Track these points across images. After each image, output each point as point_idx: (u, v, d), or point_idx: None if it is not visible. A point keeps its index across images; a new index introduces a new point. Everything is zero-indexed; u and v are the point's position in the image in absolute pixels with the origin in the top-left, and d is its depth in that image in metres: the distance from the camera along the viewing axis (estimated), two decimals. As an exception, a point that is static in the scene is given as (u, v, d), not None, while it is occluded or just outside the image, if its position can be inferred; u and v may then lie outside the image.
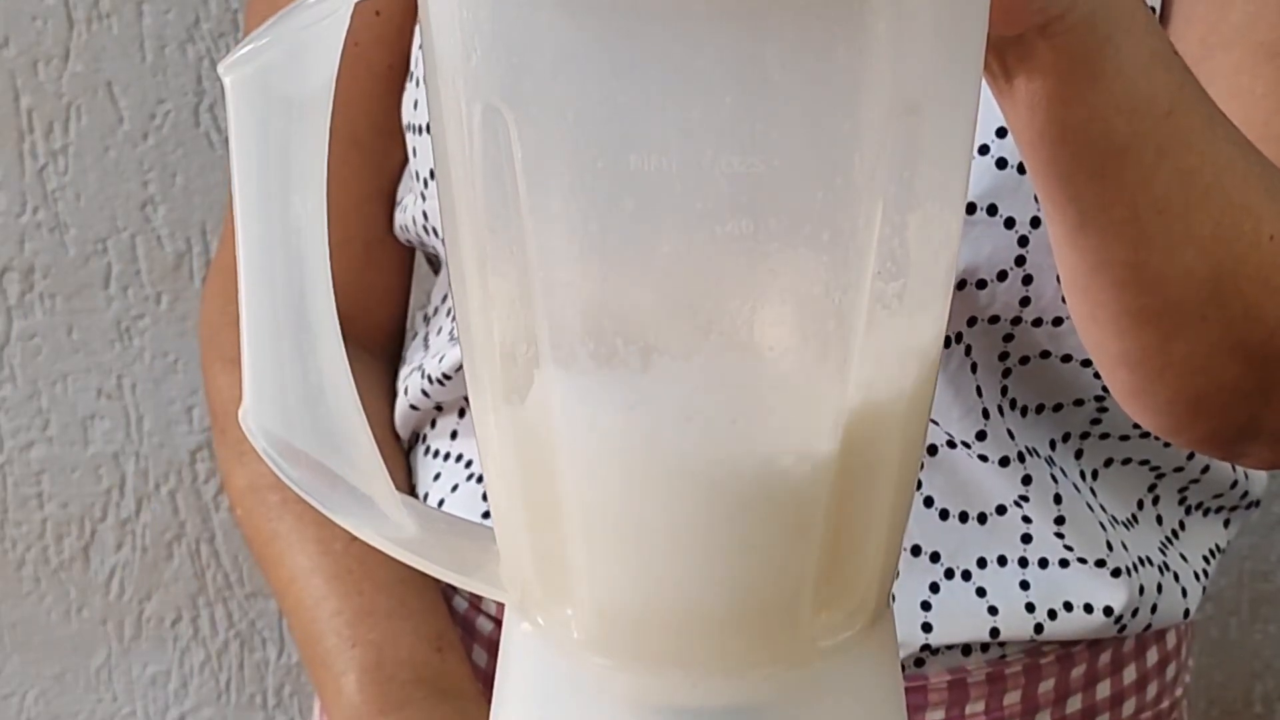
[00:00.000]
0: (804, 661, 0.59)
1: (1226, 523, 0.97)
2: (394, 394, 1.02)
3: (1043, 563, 0.90)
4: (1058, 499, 0.90)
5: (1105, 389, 0.87)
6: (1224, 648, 1.47)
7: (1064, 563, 0.90)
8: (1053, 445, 0.91)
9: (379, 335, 1.04)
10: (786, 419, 0.56)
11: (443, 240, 0.93)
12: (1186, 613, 0.94)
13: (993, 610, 0.89)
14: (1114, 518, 0.92)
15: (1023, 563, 0.89)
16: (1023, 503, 0.89)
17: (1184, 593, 0.94)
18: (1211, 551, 0.96)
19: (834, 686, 0.60)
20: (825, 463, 0.57)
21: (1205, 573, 0.95)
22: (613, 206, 0.53)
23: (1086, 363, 0.85)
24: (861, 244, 0.55)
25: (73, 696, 1.44)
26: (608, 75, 0.52)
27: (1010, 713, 0.92)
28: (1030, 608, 0.89)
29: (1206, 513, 0.96)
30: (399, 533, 0.61)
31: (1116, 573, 0.91)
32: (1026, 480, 0.89)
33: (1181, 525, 0.95)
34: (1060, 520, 0.90)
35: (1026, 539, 0.89)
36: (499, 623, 0.95)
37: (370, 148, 0.98)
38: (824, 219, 0.54)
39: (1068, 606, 0.90)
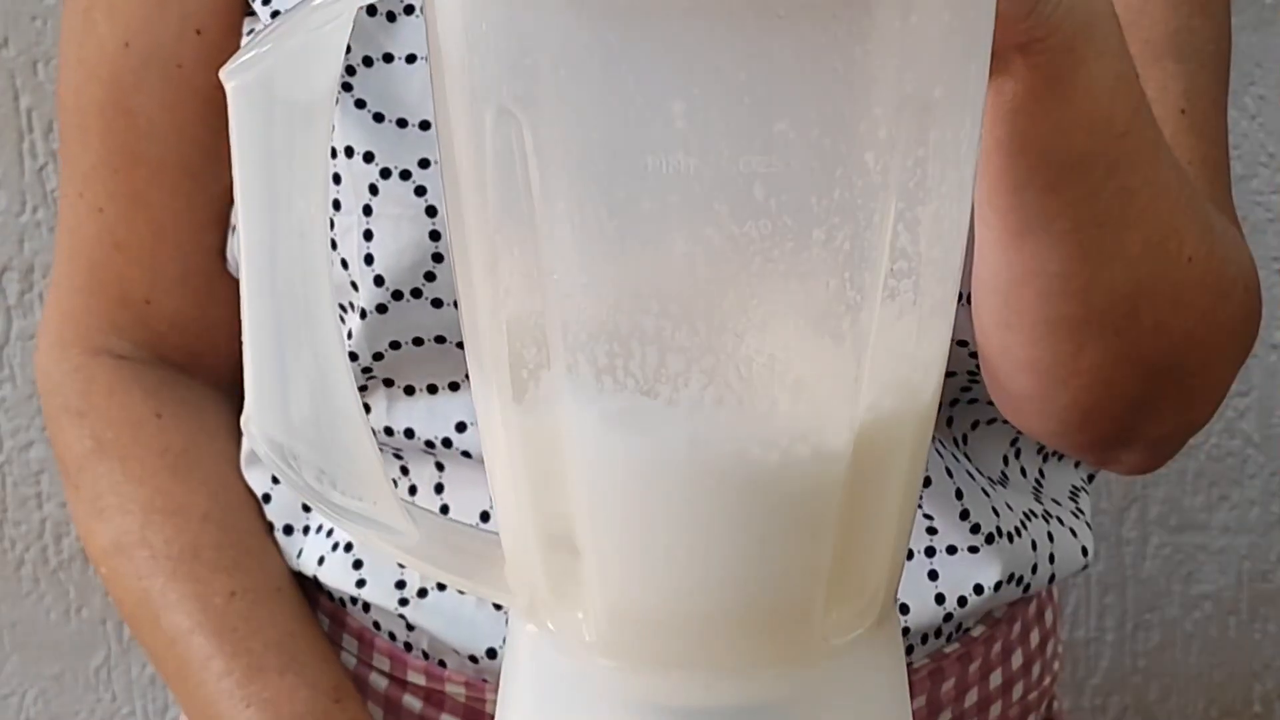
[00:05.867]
0: (815, 660, 0.60)
1: (1078, 464, 0.96)
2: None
3: (950, 550, 0.89)
4: (950, 473, 0.89)
5: (977, 366, 0.86)
6: (1223, 647, 1.47)
7: (972, 549, 0.89)
8: None
9: (226, 372, 0.96)
10: (800, 418, 0.56)
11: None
12: (1085, 551, 0.93)
13: (903, 609, 0.88)
14: (990, 479, 0.92)
15: (929, 552, 0.89)
16: (923, 491, 0.88)
17: (1073, 533, 0.93)
18: (1075, 489, 0.96)
19: (844, 684, 0.61)
20: (839, 461, 0.57)
21: (1080, 510, 0.95)
22: (629, 208, 0.53)
23: (962, 343, 0.84)
24: (875, 241, 0.55)
25: (72, 696, 1.44)
26: (623, 76, 0.52)
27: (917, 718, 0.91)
28: (940, 598, 0.88)
29: (1061, 459, 0.95)
30: (403, 539, 0.61)
31: (1011, 538, 0.90)
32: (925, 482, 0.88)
33: (1041, 473, 0.95)
34: (960, 495, 0.89)
35: (932, 531, 0.89)
36: (393, 679, 0.92)
37: (202, 174, 0.93)
38: (840, 217, 0.54)
39: (977, 589, 0.89)
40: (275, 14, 0.87)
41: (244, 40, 0.91)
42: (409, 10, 0.85)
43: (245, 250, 0.58)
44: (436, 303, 0.84)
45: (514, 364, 0.57)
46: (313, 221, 0.58)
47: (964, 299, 0.76)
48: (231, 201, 0.94)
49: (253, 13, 0.90)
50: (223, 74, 0.57)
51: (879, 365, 0.56)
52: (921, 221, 0.56)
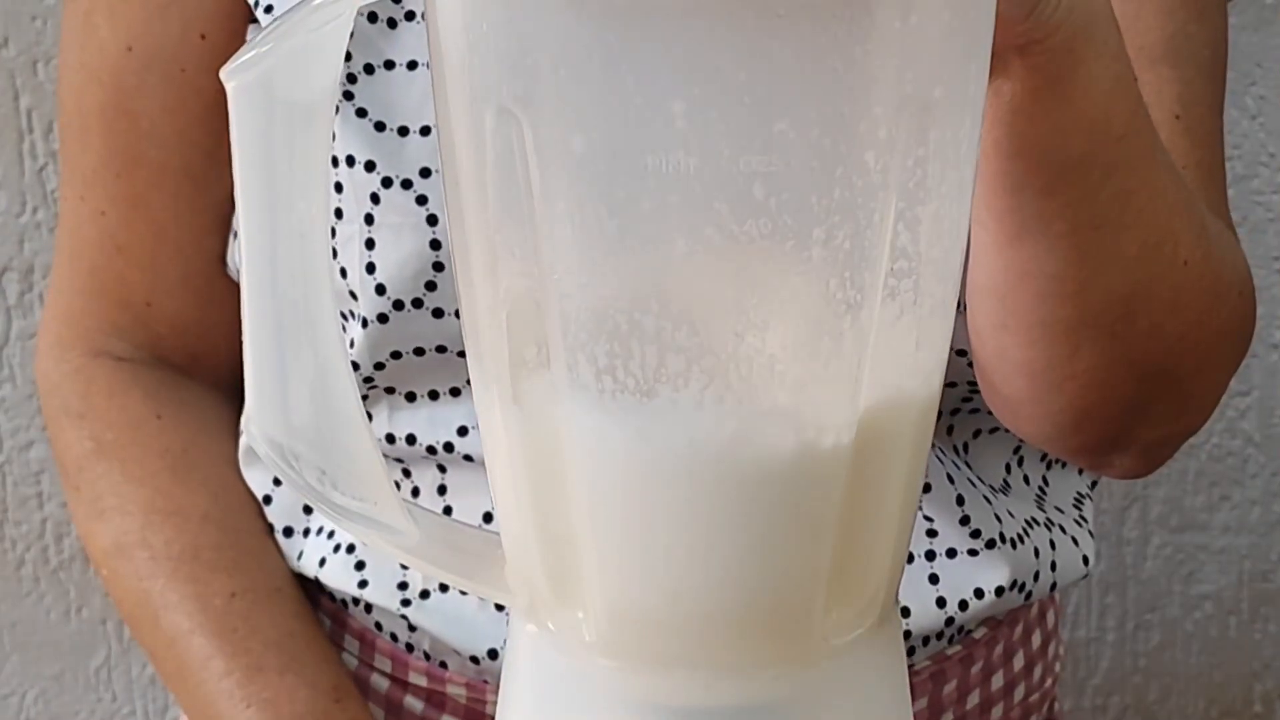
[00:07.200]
0: (815, 660, 0.60)
1: (1081, 470, 0.97)
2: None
3: (950, 553, 0.89)
4: (951, 479, 0.89)
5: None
6: (1223, 647, 1.47)
7: (972, 552, 0.89)
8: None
9: (226, 373, 0.97)
10: (800, 418, 0.56)
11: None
12: (1086, 560, 0.94)
13: (905, 612, 0.88)
14: (992, 487, 0.92)
15: (930, 556, 0.89)
16: (921, 495, 0.88)
17: (1075, 541, 0.93)
18: (1079, 497, 0.96)
19: (845, 684, 0.61)
20: (838, 461, 0.57)
21: (1084, 518, 0.95)
22: (629, 207, 0.53)
23: (961, 352, 0.84)
24: (875, 241, 0.55)
25: (72, 696, 1.44)
26: (623, 76, 0.52)
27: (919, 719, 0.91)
28: (941, 602, 0.89)
29: (1064, 466, 0.96)
30: (404, 539, 0.61)
31: (1014, 544, 0.90)
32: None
33: (1045, 481, 0.95)
34: (960, 500, 0.89)
35: (932, 534, 0.89)
36: (394, 680, 0.93)
37: (203, 178, 0.93)
38: (840, 216, 0.54)
39: (978, 594, 0.89)
40: None
41: None
42: (410, 17, 0.84)
43: (246, 250, 0.58)
44: (437, 312, 0.84)
45: (514, 364, 0.57)
46: (313, 222, 0.58)
47: (961, 307, 0.76)
48: (233, 207, 0.93)
49: (256, 20, 0.90)
50: (223, 74, 0.57)
51: (879, 364, 0.56)
52: (922, 221, 0.56)
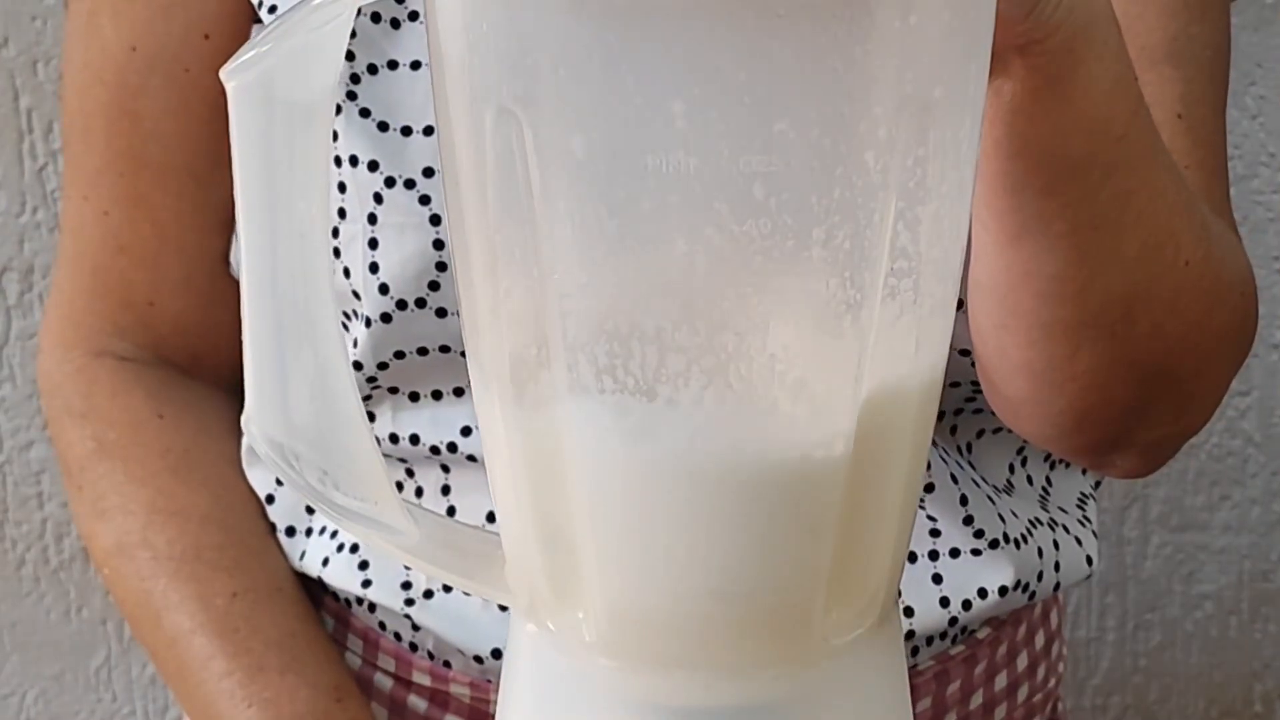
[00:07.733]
0: (815, 660, 0.60)
1: (1085, 470, 0.97)
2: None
3: (954, 553, 0.89)
4: (954, 479, 0.89)
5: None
6: (1224, 647, 1.47)
7: (976, 552, 0.89)
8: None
9: (228, 373, 0.96)
10: (800, 418, 0.56)
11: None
12: (1090, 560, 0.94)
13: (908, 611, 0.88)
14: (995, 487, 0.92)
15: (933, 556, 0.89)
16: (925, 495, 0.88)
17: (1079, 541, 0.93)
18: (1083, 497, 0.96)
19: (844, 684, 0.61)
20: (839, 461, 0.57)
21: (1087, 519, 0.95)
22: (629, 208, 0.53)
23: (965, 352, 0.84)
24: (875, 241, 0.55)
25: (72, 696, 1.44)
26: (623, 76, 0.52)
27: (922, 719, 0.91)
28: (945, 602, 0.89)
29: (1068, 466, 0.96)
30: (404, 539, 0.61)
31: (1018, 544, 0.90)
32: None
33: (1048, 481, 0.95)
34: (964, 501, 0.89)
35: (935, 534, 0.89)
36: (398, 679, 0.93)
37: (206, 178, 0.93)
38: (840, 216, 0.54)
39: (981, 593, 0.89)
40: None
41: None
42: (413, 17, 0.85)
43: (245, 250, 0.58)
44: (441, 312, 0.84)
45: (514, 364, 0.57)
46: (313, 222, 0.58)
47: (963, 306, 0.76)
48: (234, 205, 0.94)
49: (260, 20, 0.90)
50: (223, 74, 0.57)
51: (879, 364, 0.56)
52: (921, 221, 0.56)
